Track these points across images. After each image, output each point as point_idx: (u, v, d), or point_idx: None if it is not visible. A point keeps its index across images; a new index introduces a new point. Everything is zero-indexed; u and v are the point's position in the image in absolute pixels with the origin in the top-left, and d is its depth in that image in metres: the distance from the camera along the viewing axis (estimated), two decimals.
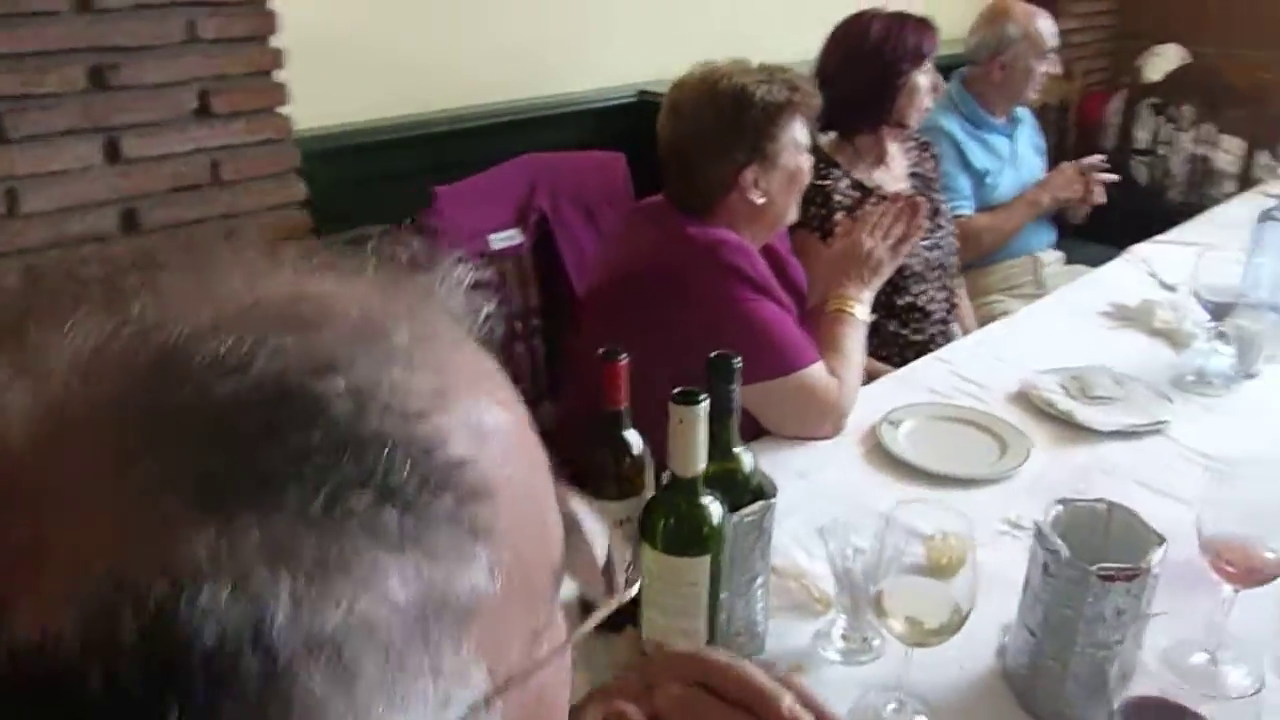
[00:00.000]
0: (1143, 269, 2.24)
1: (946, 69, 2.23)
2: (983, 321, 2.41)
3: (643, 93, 2.57)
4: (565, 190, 1.98)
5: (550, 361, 2.04)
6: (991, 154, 2.54)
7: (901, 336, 2.08)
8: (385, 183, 2.14)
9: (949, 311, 2.17)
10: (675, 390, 0.83)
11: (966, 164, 2.50)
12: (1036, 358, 1.72)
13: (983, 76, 2.55)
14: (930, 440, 1.46)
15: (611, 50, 2.60)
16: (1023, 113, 2.66)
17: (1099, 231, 2.79)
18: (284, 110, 1.84)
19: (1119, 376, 1.65)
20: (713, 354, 0.93)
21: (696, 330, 1.40)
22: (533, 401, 2.08)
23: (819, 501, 1.28)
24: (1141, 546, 0.92)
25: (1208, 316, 1.69)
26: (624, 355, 0.96)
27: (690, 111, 1.44)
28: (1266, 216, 1.77)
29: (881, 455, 1.44)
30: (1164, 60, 3.80)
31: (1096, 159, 2.53)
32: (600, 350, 0.97)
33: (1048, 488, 1.35)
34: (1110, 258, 2.50)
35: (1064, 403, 1.56)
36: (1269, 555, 0.95)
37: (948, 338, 2.16)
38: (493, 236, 1.91)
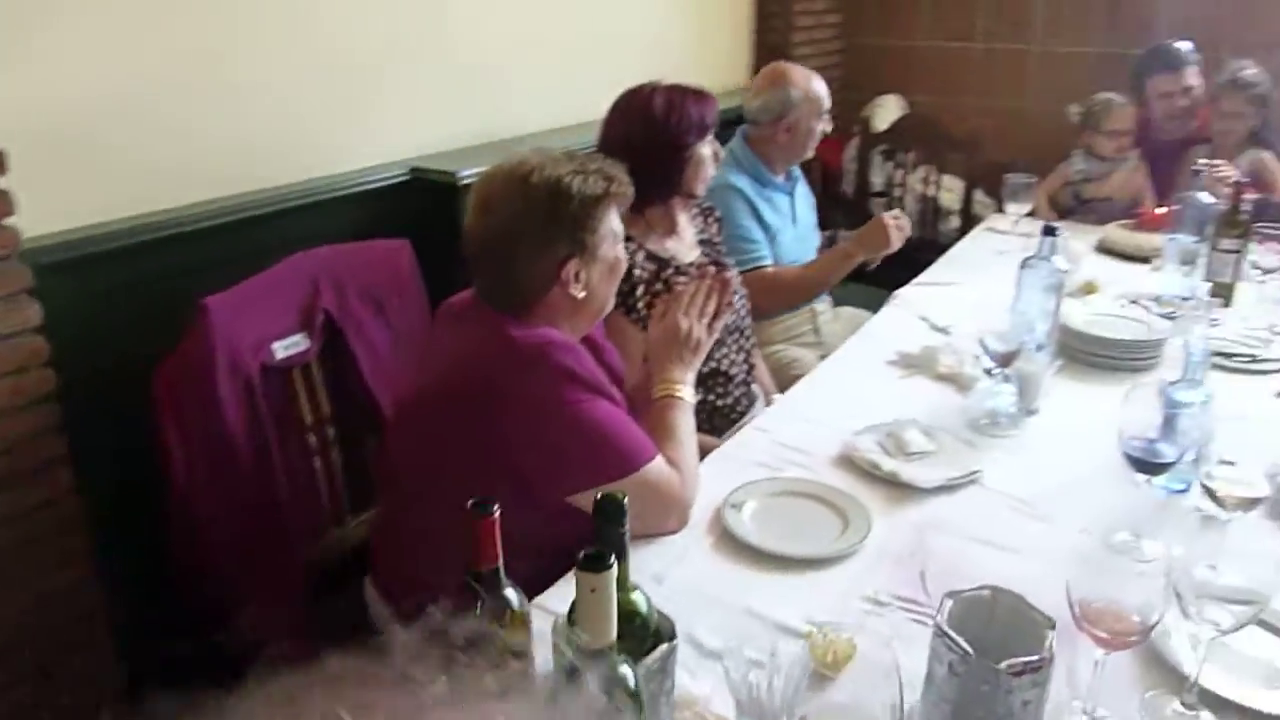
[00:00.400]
0: (913, 313, 2.39)
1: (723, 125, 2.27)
2: (773, 370, 2.49)
3: (415, 170, 2.45)
4: (350, 285, 1.83)
5: (351, 472, 1.87)
6: (776, 212, 2.64)
7: (708, 403, 2.09)
8: (135, 295, 1.89)
9: (748, 373, 2.20)
10: (581, 555, 0.74)
11: (760, 219, 2.57)
12: (845, 417, 1.78)
13: (768, 138, 2.63)
14: (774, 520, 1.45)
15: (376, 127, 2.46)
16: (796, 171, 2.78)
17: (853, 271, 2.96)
18: (9, 222, 1.57)
19: (926, 428, 1.72)
20: (600, 495, 0.85)
21: (528, 438, 1.32)
22: (336, 518, 1.88)
23: (683, 606, 1.23)
24: (1030, 630, 0.94)
25: (988, 360, 1.81)
26: (495, 507, 0.86)
27: (504, 207, 1.36)
28: (1025, 264, 1.92)
29: (731, 543, 1.41)
30: (887, 110, 4.14)
31: (898, 212, 2.64)
32: (469, 502, 0.86)
33: (894, 557, 1.38)
34: (865, 296, 2.66)
35: (887, 463, 1.60)
36: (1135, 619, 0.99)
37: (750, 399, 2.19)
38: (276, 345, 1.73)
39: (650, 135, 1.94)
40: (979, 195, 3.78)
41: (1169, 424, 1.48)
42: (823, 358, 2.45)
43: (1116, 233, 2.93)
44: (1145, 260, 2.74)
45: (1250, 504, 1.28)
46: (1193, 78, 3.09)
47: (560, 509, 1.34)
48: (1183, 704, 1.08)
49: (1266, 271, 2.38)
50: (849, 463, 1.63)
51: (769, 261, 2.54)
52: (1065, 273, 1.92)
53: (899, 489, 1.55)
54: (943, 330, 2.25)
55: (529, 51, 2.93)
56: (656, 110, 1.95)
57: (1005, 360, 1.74)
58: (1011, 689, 0.88)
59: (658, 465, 1.39)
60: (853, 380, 2.02)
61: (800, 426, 1.77)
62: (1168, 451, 1.40)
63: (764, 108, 2.61)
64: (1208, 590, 1.04)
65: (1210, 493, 1.30)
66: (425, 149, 2.58)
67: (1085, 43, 4.08)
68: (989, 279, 2.61)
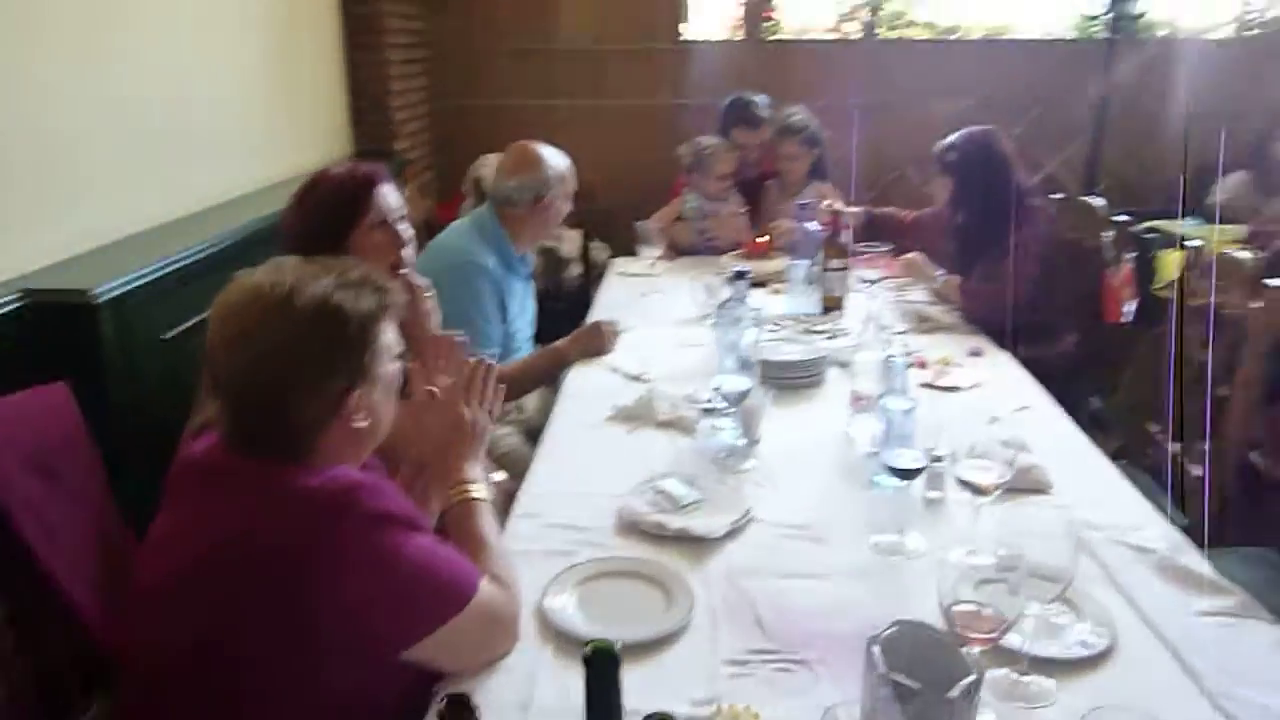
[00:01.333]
0: (600, 366, 2.46)
1: None
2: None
3: (30, 292, 2.00)
4: (6, 451, 1.45)
5: (47, 685, 1.47)
6: (514, 298, 2.55)
7: None
8: None
9: None
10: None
11: (502, 305, 2.47)
12: (601, 482, 1.79)
13: (521, 218, 2.55)
14: (600, 609, 1.41)
15: None
16: (530, 255, 2.73)
17: None
18: None
19: (686, 477, 1.78)
20: (588, 647, 0.77)
21: (353, 600, 1.14)
22: None
23: None
24: (939, 653, 1.02)
25: (718, 400, 1.92)
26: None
27: (265, 339, 1.16)
28: (724, 306, 2.08)
29: (570, 645, 1.34)
30: (491, 168, 4.22)
31: (614, 320, 2.65)
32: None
33: (724, 612, 1.41)
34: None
35: (672, 521, 1.63)
36: (1008, 615, 1.12)
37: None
38: None
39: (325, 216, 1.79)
40: (595, 243, 3.99)
41: (895, 430, 1.69)
42: (526, 429, 2.44)
43: (731, 262, 3.26)
44: (762, 285, 3.06)
45: (1001, 488, 1.49)
46: (766, 131, 3.55)
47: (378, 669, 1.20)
48: (1018, 673, 1.24)
49: (871, 283, 2.80)
50: (634, 529, 1.64)
51: (495, 354, 2.47)
52: (758, 310, 2.10)
53: (692, 544, 1.59)
54: (638, 378, 2.35)
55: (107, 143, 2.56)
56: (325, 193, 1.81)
57: (738, 399, 1.86)
58: (955, 713, 0.95)
59: (486, 587, 1.28)
60: (586, 444, 2.02)
61: (565, 503, 1.74)
62: (914, 455, 1.59)
63: (522, 188, 2.53)
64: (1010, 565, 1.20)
65: (967, 484, 1.50)
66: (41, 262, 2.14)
67: (652, 95, 4.52)
68: (648, 322, 2.78)
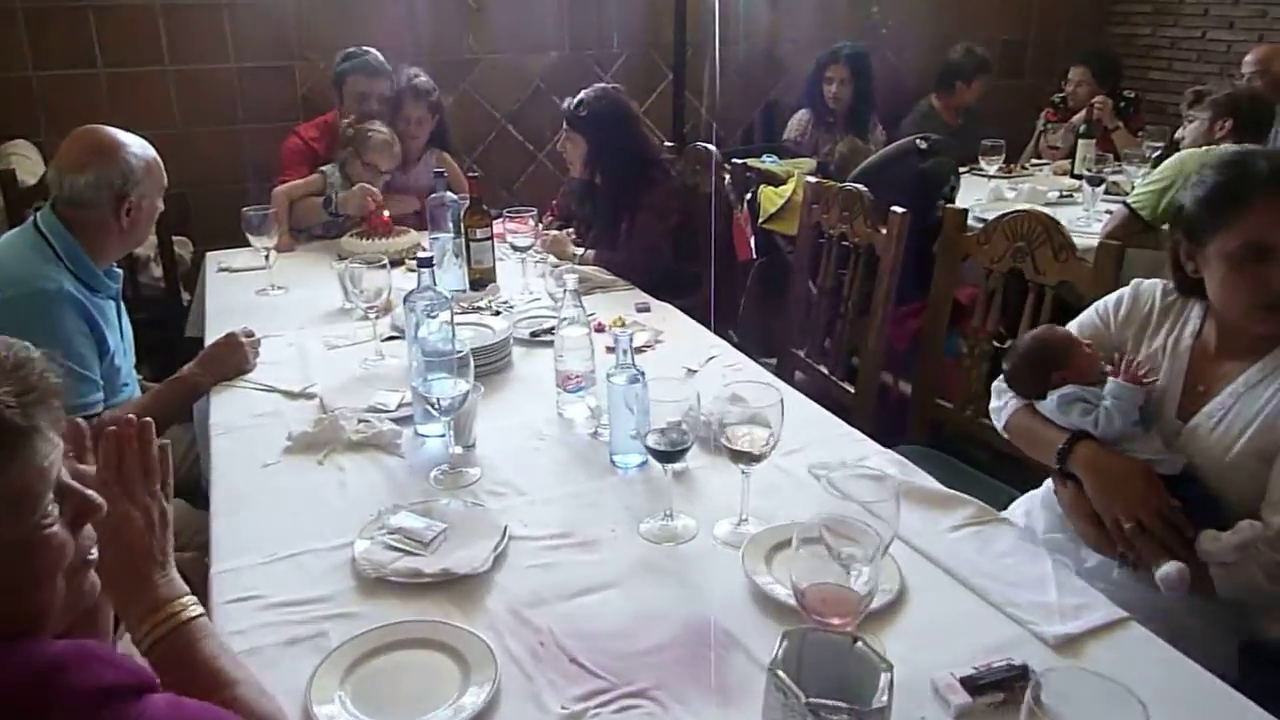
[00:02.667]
0: (245, 388, 2.06)
1: None
2: None
3: None
4: None
5: None
6: (109, 323, 1.96)
7: None
8: None
9: None
10: None
11: (98, 337, 1.89)
12: (304, 533, 1.49)
13: (102, 223, 1.96)
14: (386, 701, 1.14)
15: None
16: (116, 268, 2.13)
17: None
18: None
19: (417, 506, 1.53)
20: None
21: None
22: None
23: None
24: (836, 655, 0.94)
25: (429, 412, 1.68)
26: None
27: None
28: (409, 298, 1.83)
29: None
30: (30, 160, 3.43)
31: (250, 330, 2.18)
32: None
33: (532, 661, 1.22)
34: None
35: (426, 563, 1.39)
36: (861, 590, 1.06)
37: None
38: None
39: None
40: (177, 237, 3.38)
41: (637, 407, 1.58)
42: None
43: (353, 242, 2.92)
44: (399, 263, 2.78)
45: (762, 453, 1.45)
46: (383, 83, 3.21)
47: None
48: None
49: (521, 250, 2.65)
50: (382, 584, 1.36)
51: (100, 407, 1.92)
52: (449, 298, 1.87)
53: (458, 584, 1.36)
54: (303, 394, 2.00)
55: None
56: None
57: (451, 408, 1.63)
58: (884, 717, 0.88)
59: None
60: (270, 489, 1.66)
61: (279, 572, 1.40)
62: (682, 436, 1.49)
63: (97, 184, 1.94)
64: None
65: (738, 453, 1.43)
66: None
67: (219, 60, 3.92)
68: (283, 324, 2.39)
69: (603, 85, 2.83)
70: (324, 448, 1.77)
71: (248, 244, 2.73)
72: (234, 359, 2.10)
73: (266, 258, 2.70)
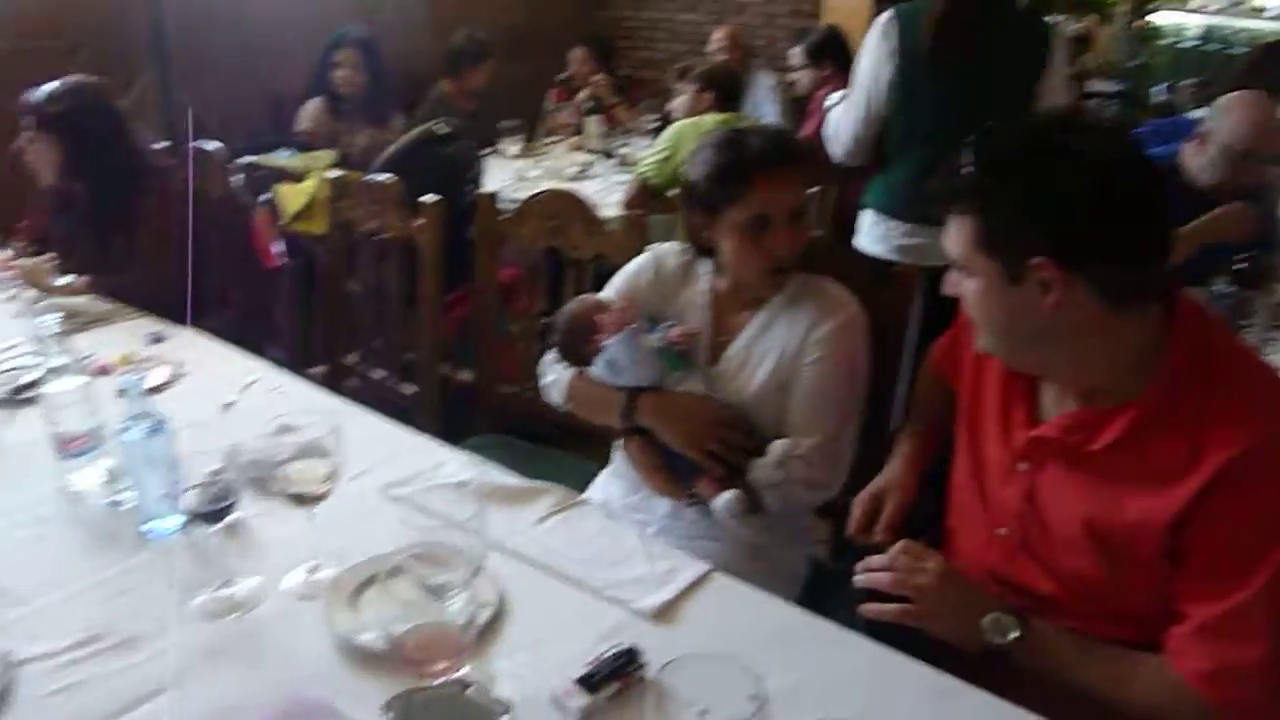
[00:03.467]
0: None
1: None
2: None
3: None
4: None
5: None
6: None
7: None
8: None
9: None
10: None
11: None
12: None
13: None
14: None
15: None
16: None
17: None
18: None
19: None
20: None
21: None
22: None
23: None
24: (459, 714, 0.83)
25: None
26: None
27: None
28: None
29: None
30: None
31: None
32: None
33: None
34: None
35: None
36: (461, 622, 0.96)
37: None
38: None
39: None
40: None
41: (156, 464, 1.33)
42: None
43: None
44: None
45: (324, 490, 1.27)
46: None
47: None
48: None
49: None
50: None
51: None
52: None
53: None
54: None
55: None
56: None
57: None
58: None
59: None
60: None
61: None
62: (226, 487, 1.26)
63: None
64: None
65: (297, 496, 1.24)
66: None
67: None
68: None
69: (80, 79, 2.36)
70: None
71: None
72: None
73: None
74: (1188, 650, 1.07)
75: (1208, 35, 6.92)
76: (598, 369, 1.65)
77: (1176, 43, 6.93)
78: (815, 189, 3.24)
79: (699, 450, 1.55)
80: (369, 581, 1.25)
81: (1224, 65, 5.70)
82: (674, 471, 1.59)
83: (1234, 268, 2.10)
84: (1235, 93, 2.28)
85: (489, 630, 1.19)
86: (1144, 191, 1.06)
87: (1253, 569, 1.03)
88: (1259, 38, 5.74)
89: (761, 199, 1.52)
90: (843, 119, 2.59)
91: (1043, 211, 1.05)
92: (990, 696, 1.10)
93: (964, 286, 1.16)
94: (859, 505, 1.45)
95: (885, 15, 2.47)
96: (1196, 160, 2.26)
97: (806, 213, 1.61)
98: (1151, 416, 1.09)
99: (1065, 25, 5.41)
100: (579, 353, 1.68)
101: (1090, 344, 1.11)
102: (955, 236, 1.13)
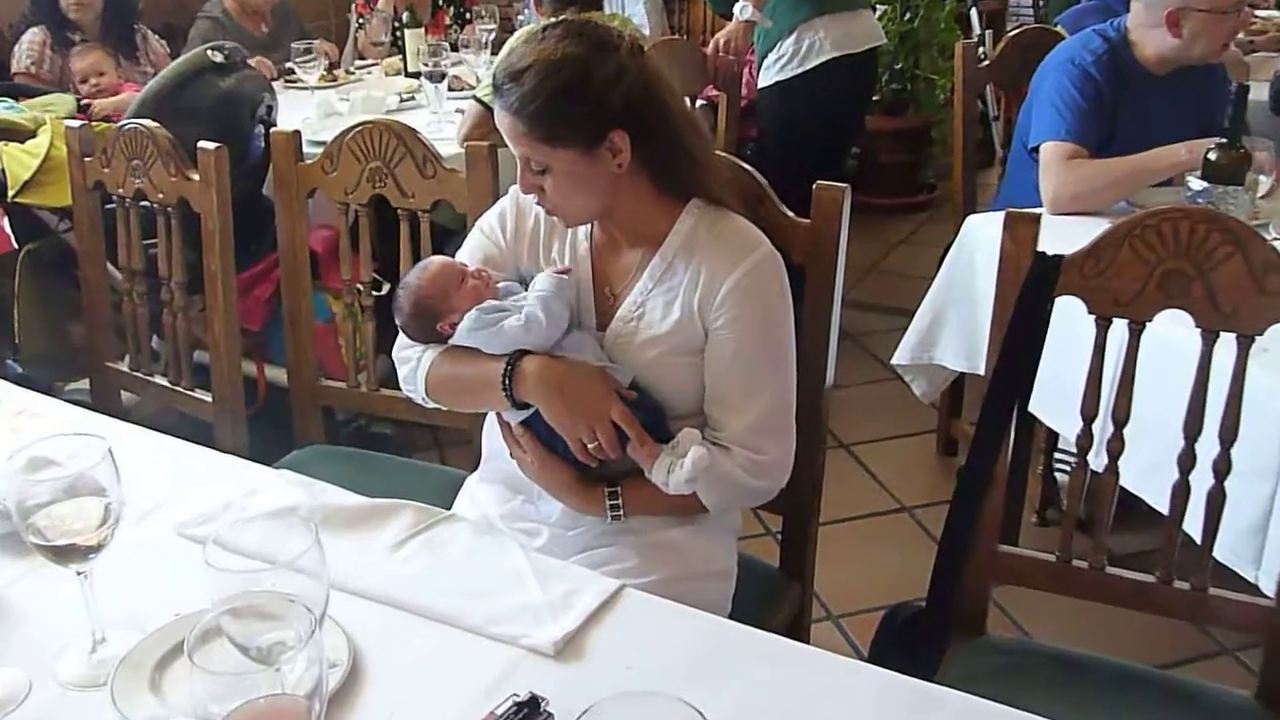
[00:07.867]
0: None
1: None
2: None
3: None
4: None
5: None
6: None
7: None
8: None
9: None
10: None
11: None
12: None
13: None
14: None
15: None
16: None
17: None
18: None
19: None
20: None
21: None
22: None
23: None
24: None
25: None
26: None
27: None
28: None
29: None
30: None
31: None
32: None
33: None
34: None
35: None
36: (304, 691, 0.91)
37: None
38: None
39: None
40: None
41: None
42: None
43: None
44: None
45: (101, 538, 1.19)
46: None
47: None
48: None
49: None
50: None
51: None
52: None
53: None
54: None
55: None
56: None
57: None
58: None
59: None
60: None
61: None
62: None
63: None
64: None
65: (63, 548, 1.16)
66: None
67: None
68: None
69: None
70: None
71: None
72: None
73: None
74: None
75: None
76: (469, 338, 1.58)
77: None
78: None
79: (600, 422, 1.51)
80: (173, 653, 1.19)
81: None
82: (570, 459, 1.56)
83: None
84: None
85: (342, 696, 1.16)
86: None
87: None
88: None
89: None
90: None
91: None
92: (966, 703, 1.14)
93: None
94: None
95: None
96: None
97: (550, 171, 1.51)
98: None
99: None
100: (435, 336, 1.63)
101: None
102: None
